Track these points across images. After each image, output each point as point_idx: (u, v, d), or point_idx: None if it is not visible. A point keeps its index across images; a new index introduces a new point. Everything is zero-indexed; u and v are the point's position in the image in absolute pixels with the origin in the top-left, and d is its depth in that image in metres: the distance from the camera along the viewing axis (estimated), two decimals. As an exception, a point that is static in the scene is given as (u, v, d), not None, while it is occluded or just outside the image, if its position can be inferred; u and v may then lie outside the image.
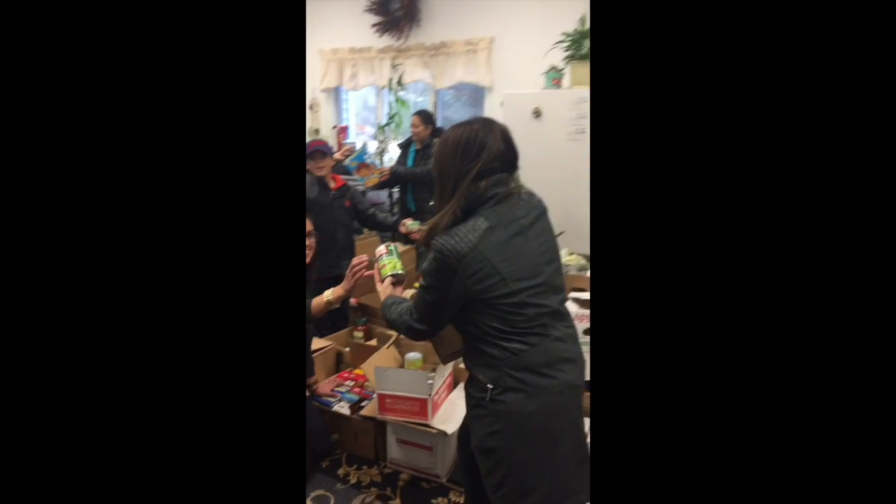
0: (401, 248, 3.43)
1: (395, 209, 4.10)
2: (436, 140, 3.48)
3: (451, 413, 1.91)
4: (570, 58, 3.23)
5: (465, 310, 1.10)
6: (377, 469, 1.96)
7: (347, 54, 4.61)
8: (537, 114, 3.25)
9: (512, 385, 1.07)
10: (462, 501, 1.76)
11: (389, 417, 1.88)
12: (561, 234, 1.34)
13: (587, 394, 1.41)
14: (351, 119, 5.07)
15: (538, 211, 1.15)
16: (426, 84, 4.41)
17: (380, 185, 3.44)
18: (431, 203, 3.56)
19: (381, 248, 1.44)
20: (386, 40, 4.39)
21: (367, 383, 2.18)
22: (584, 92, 3.12)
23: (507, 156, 1.11)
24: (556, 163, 2.91)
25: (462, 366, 1.38)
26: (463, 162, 1.09)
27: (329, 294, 1.60)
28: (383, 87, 4.44)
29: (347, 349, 2.45)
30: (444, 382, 1.96)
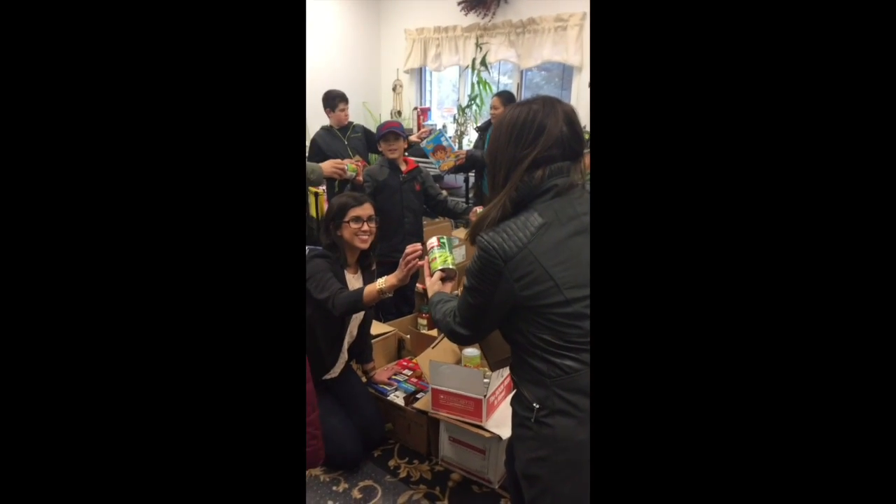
0: (462, 237, 3.36)
1: (471, 194, 3.99)
2: (515, 123, 3.31)
3: (507, 417, 1.78)
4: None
5: (511, 317, 0.97)
6: (428, 465, 1.89)
7: (432, 34, 4.52)
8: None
9: (561, 408, 0.93)
10: (513, 512, 1.65)
11: (442, 414, 1.80)
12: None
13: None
14: (433, 101, 4.99)
15: None
16: (512, 64, 4.21)
17: (456, 169, 3.33)
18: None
19: (433, 240, 1.34)
20: (472, 18, 4.23)
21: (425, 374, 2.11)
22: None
23: (570, 142, 0.95)
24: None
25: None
26: (517, 147, 0.95)
27: (382, 283, 1.53)
28: (466, 68, 4.30)
29: (408, 336, 2.39)
30: (502, 383, 1.84)
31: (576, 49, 3.75)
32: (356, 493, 1.74)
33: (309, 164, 2.34)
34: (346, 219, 1.75)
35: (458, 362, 2.04)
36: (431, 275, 1.30)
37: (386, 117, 4.85)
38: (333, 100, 3.28)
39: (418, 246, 1.45)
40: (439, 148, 3.14)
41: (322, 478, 1.81)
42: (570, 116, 0.97)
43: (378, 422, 1.94)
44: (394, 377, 2.13)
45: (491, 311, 0.97)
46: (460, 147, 4.07)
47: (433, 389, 1.81)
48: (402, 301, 2.76)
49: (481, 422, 1.73)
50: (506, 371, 1.84)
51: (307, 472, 1.78)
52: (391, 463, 1.90)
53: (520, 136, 0.95)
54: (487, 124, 3.55)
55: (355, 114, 4.51)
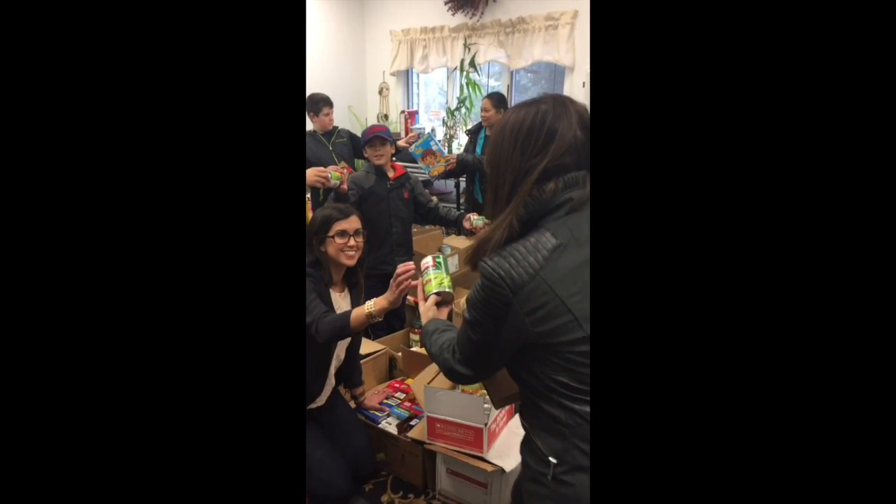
0: (464, 244, 3.22)
1: (462, 200, 3.85)
2: (508, 125, 3.17)
3: (510, 445, 1.64)
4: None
5: (522, 354, 0.83)
6: (424, 500, 1.74)
7: (419, 34, 4.38)
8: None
9: (583, 463, 0.78)
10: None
11: (439, 445, 1.65)
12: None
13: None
14: (421, 104, 4.85)
15: None
16: (501, 65, 4.09)
17: (446, 174, 3.19)
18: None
19: (428, 260, 1.19)
20: (460, 18, 4.10)
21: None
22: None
23: (586, 148, 0.81)
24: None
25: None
26: (524, 155, 0.81)
27: (371, 306, 1.38)
28: (454, 69, 4.17)
29: (400, 355, 2.24)
30: (503, 408, 1.70)
31: (567, 48, 3.63)
32: (346, 535, 1.59)
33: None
34: (331, 233, 1.60)
35: (456, 387, 1.89)
36: (426, 298, 1.15)
37: (372, 121, 4.70)
38: (317, 104, 3.12)
39: (411, 265, 1.30)
40: (428, 153, 2.99)
41: (308, 517, 1.65)
42: (585, 118, 0.82)
43: (369, 452, 1.79)
44: (385, 401, 1.97)
45: (497, 349, 0.83)
46: (450, 151, 3.93)
47: (429, 418, 1.66)
48: (393, 316, 2.61)
49: (482, 453, 1.59)
50: (507, 395, 1.70)
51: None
52: (384, 498, 1.75)
53: (526, 142, 0.80)
54: (478, 127, 3.41)
55: (340, 118, 4.36)
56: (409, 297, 2.53)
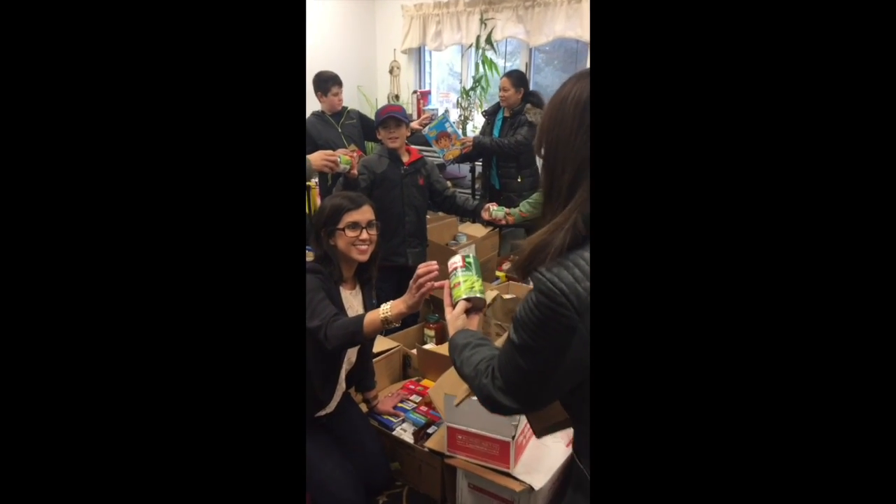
0: (481, 233, 3.04)
1: (477, 185, 3.67)
2: (528, 106, 2.97)
3: (538, 458, 1.49)
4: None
5: (584, 386, 0.66)
6: (443, 515, 1.60)
7: (432, 10, 4.15)
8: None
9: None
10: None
11: (460, 458, 1.50)
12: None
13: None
14: (433, 83, 4.64)
15: None
16: (519, 42, 3.86)
17: (461, 158, 3.00)
18: (520, 179, 3.07)
19: (456, 260, 1.03)
20: (475, -8, 3.87)
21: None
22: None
23: None
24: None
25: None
26: (577, 135, 0.65)
27: (387, 310, 1.21)
28: (469, 47, 3.95)
29: (415, 352, 2.09)
30: (530, 417, 1.55)
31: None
32: (358, 554, 1.46)
33: (296, 157, 2.02)
34: (341, 225, 1.43)
35: (476, 390, 1.74)
36: (453, 305, 0.99)
37: (382, 102, 4.50)
38: (326, 83, 2.94)
39: (434, 266, 1.14)
40: (443, 135, 2.80)
41: (317, 533, 1.52)
42: None
43: (382, 461, 1.64)
44: (400, 405, 1.83)
45: (554, 381, 0.67)
46: (465, 133, 3.73)
47: (449, 428, 1.51)
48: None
49: (508, 468, 1.44)
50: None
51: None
52: (399, 512, 1.61)
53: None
54: (495, 108, 3.21)
55: (350, 98, 4.16)
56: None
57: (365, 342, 1.39)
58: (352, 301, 1.53)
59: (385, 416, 1.77)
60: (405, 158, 2.28)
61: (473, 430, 1.47)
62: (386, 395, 1.87)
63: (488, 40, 3.73)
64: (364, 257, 1.46)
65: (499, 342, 1.43)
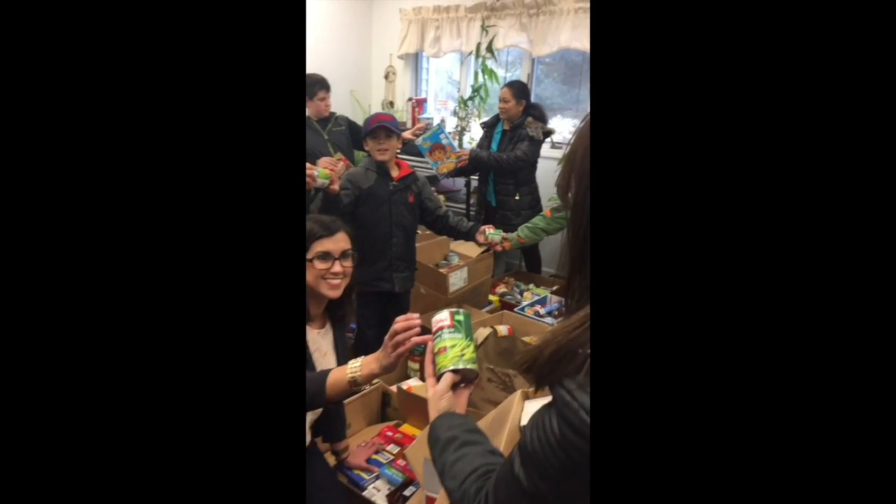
0: (474, 252, 2.82)
1: (472, 201, 3.46)
2: (530, 120, 2.77)
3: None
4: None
5: None
6: None
7: (431, 14, 3.95)
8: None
9: None
10: None
11: (440, 534, 1.27)
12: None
13: None
14: (430, 91, 4.43)
15: None
16: (521, 51, 3.67)
17: (456, 172, 2.79)
18: (518, 197, 2.85)
19: (443, 317, 0.81)
20: (477, -3, 3.68)
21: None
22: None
23: None
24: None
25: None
26: None
27: (356, 368, 0.99)
28: (469, 54, 3.75)
29: (395, 389, 1.85)
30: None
31: (599, 35, 3.21)
32: None
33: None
34: (310, 255, 1.21)
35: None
36: (437, 377, 0.77)
37: (376, 109, 4.29)
38: (312, 86, 2.73)
39: (415, 320, 0.91)
40: (437, 146, 2.59)
41: None
42: None
43: (350, 526, 1.41)
44: (374, 457, 1.59)
45: None
46: (461, 146, 3.52)
47: (428, 498, 1.28)
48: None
49: (496, 551, 1.21)
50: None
51: None
52: (367, 589, 1.37)
53: None
54: (494, 120, 3.01)
55: (342, 104, 3.95)
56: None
57: (327, 406, 1.16)
58: (320, 342, 1.31)
59: (356, 472, 1.54)
60: (395, 173, 2.07)
61: (457, 502, 1.24)
62: (358, 445, 1.63)
63: (489, 48, 3.54)
64: (335, 293, 1.24)
65: (484, 423, 1.21)
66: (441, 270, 2.48)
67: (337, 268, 1.22)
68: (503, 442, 1.05)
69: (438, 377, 0.76)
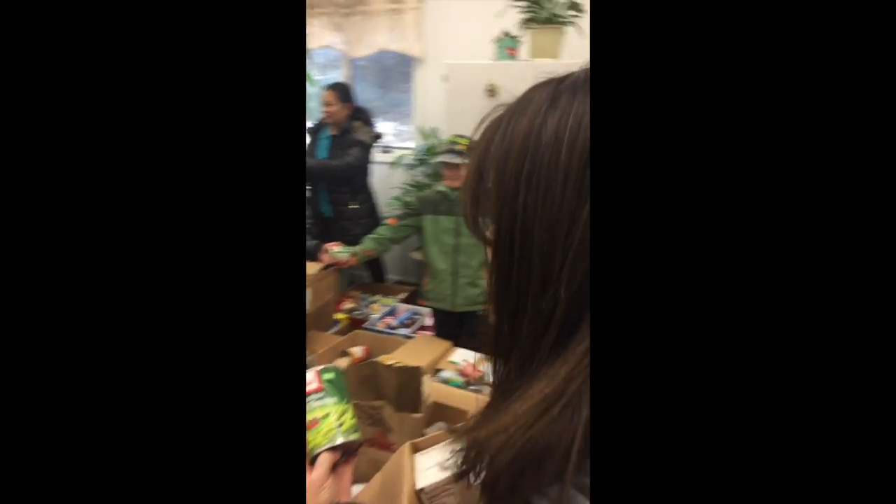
0: (313, 270, 2.60)
1: (307, 213, 3.20)
2: (358, 124, 2.64)
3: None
4: (530, 22, 2.54)
5: None
6: None
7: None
8: (492, 91, 2.53)
9: None
10: None
11: None
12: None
13: None
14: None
15: None
16: (338, 52, 3.51)
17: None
18: (353, 206, 2.71)
19: (309, 379, 0.64)
20: (283, -7, 3.41)
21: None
22: (552, 66, 2.45)
23: None
24: (521, 156, 2.20)
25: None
26: (580, 197, 0.34)
27: None
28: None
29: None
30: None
31: (416, 37, 3.21)
32: None
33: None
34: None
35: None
36: (311, 459, 0.61)
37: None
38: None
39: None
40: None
41: None
42: None
43: None
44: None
45: None
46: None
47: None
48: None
49: None
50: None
51: None
52: None
53: (582, 168, 0.34)
54: (318, 126, 2.81)
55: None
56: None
57: None
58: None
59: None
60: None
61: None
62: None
63: (304, 48, 3.31)
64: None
65: (371, 495, 1.04)
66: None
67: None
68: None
69: (312, 460, 0.60)
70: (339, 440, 0.61)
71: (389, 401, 1.34)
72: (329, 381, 0.65)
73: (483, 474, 0.34)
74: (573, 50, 2.65)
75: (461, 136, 1.88)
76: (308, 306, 2.28)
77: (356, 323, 2.39)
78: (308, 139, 2.86)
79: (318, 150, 2.75)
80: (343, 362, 1.56)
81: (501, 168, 0.37)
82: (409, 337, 2.33)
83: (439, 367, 1.83)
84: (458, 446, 0.38)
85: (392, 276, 3.23)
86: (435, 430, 1.37)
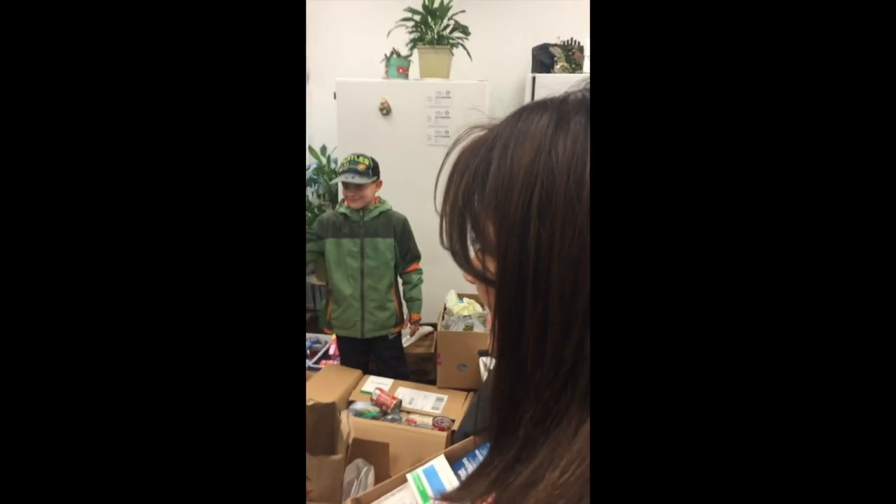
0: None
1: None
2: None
3: None
4: (417, 42, 2.56)
5: None
6: None
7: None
8: (386, 110, 2.49)
9: None
10: None
11: None
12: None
13: None
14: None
15: None
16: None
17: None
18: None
19: None
20: None
21: None
22: (445, 85, 2.48)
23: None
24: (414, 172, 2.19)
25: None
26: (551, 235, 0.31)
27: None
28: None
29: None
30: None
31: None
32: None
33: None
34: None
35: None
36: None
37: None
38: None
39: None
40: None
41: None
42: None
43: None
44: None
45: None
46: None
47: None
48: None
49: None
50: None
51: None
52: None
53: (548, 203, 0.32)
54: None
55: None
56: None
57: None
58: None
59: None
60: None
61: None
62: None
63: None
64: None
65: None
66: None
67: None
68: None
69: None
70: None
71: (306, 444, 1.23)
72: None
73: None
74: (461, 70, 2.72)
75: (362, 156, 1.81)
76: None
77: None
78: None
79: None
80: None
81: (503, 199, 0.33)
82: (312, 368, 2.19)
83: (351, 398, 1.73)
84: None
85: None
86: (353, 470, 1.27)
